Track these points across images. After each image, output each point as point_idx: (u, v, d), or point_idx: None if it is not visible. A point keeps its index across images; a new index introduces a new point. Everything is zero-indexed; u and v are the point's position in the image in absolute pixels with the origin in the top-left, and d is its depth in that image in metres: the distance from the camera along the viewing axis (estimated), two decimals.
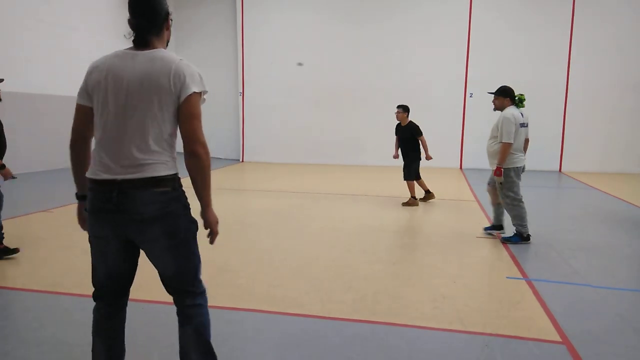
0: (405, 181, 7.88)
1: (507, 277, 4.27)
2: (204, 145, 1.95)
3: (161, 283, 2.18)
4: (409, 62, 13.56)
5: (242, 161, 14.64)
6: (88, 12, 12.15)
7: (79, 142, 2.08)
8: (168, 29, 2.12)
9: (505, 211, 5.58)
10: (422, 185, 8.09)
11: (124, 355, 2.25)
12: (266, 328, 3.19)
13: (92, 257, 2.12)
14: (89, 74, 2.04)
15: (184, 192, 2.07)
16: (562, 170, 13.15)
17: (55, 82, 11.20)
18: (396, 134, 8.00)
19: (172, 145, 2.02)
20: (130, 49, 2.03)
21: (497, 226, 5.70)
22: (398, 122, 7.93)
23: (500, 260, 4.81)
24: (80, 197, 2.17)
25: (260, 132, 14.46)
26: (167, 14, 2.08)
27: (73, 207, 7.68)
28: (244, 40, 14.53)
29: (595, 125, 12.85)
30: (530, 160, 13.94)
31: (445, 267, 4.55)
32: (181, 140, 2.02)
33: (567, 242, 5.51)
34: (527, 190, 9.57)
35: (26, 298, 3.68)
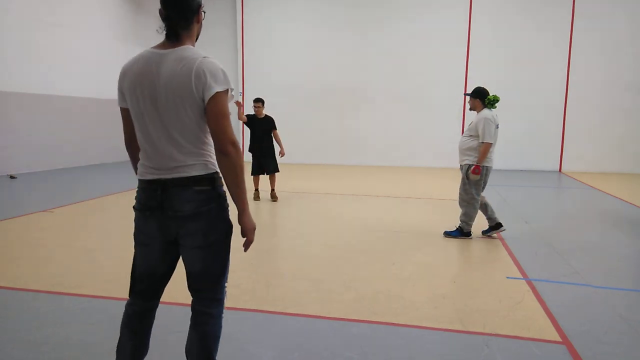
0: (274, 174, 8.05)
1: (507, 277, 4.27)
2: (234, 144, 1.91)
3: (186, 283, 2.18)
4: (409, 62, 13.57)
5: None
6: (88, 12, 12.15)
7: (130, 142, 2.12)
8: (199, 22, 2.05)
9: (491, 208, 5.62)
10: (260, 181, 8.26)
11: (146, 352, 2.26)
12: (266, 328, 3.19)
13: (134, 253, 2.16)
14: (121, 78, 2.00)
15: (224, 192, 2.05)
16: (562, 170, 13.16)
17: (56, 82, 11.21)
18: (250, 126, 8.00)
19: (211, 144, 2.01)
20: (158, 46, 1.98)
21: (494, 226, 5.62)
22: (253, 115, 8.03)
23: (500, 260, 4.81)
24: None
25: None
26: (199, 5, 2.02)
27: (73, 207, 7.65)
28: (244, 40, 14.54)
29: (595, 125, 12.87)
30: (530, 160, 14.06)
31: (445, 267, 4.55)
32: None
33: (567, 242, 5.51)
34: (527, 190, 9.62)
35: (26, 298, 3.68)
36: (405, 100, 13.72)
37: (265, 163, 7.99)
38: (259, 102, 7.97)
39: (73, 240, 5.29)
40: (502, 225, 5.58)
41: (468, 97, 5.63)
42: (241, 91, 14.70)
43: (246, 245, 2.11)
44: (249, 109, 14.58)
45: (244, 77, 14.66)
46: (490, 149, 5.32)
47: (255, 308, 3.49)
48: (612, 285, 4.10)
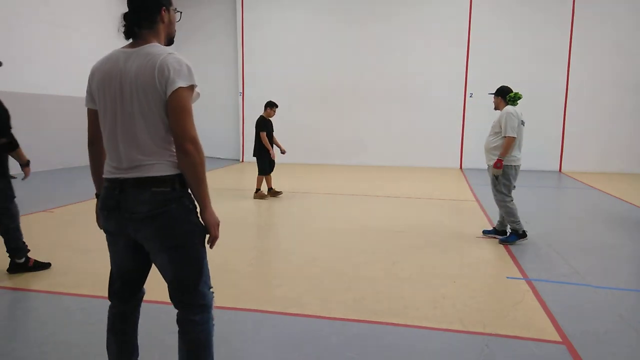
0: (268, 175, 8.29)
1: (507, 277, 4.27)
2: (194, 141, 1.86)
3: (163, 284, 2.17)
4: (409, 62, 13.57)
5: (242, 161, 14.65)
6: (88, 12, 12.16)
7: (94, 143, 2.13)
8: (164, 22, 2.03)
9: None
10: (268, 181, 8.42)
11: (137, 353, 2.25)
12: (266, 328, 3.19)
13: (109, 254, 2.17)
14: (90, 78, 2.03)
15: (188, 193, 1.98)
16: (562, 170, 13.16)
17: (55, 82, 11.21)
18: (271, 130, 8.17)
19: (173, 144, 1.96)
20: (128, 45, 2.00)
21: (500, 231, 5.58)
22: (262, 117, 8.16)
23: (500, 260, 4.81)
24: (98, 195, 2.18)
25: None
26: (161, 6, 2.00)
27: (73, 207, 7.63)
28: (244, 40, 14.53)
29: (595, 125, 12.86)
30: (530, 160, 14.08)
31: (445, 267, 4.55)
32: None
33: (567, 242, 5.51)
34: (527, 190, 9.61)
35: (26, 298, 3.68)
36: (405, 100, 13.71)
37: (273, 162, 8.19)
38: (276, 107, 8.28)
39: (73, 240, 5.29)
40: (506, 235, 5.54)
41: (492, 97, 5.54)
42: (241, 91, 14.70)
43: (211, 242, 2.04)
44: (249, 109, 14.65)
45: (244, 77, 14.66)
46: (514, 145, 5.18)
47: (255, 308, 3.50)
48: (612, 285, 4.10)
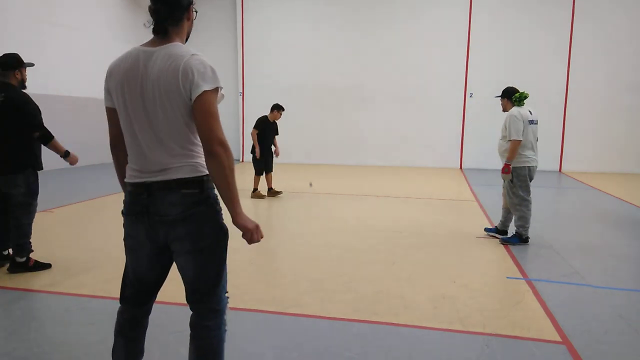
0: (269, 174, 8.38)
1: (507, 277, 4.27)
2: (222, 144, 1.80)
3: (163, 287, 2.17)
4: (409, 62, 13.57)
5: (242, 161, 14.65)
6: (88, 12, 12.16)
7: (117, 144, 2.06)
8: (189, 19, 2.00)
9: (512, 218, 5.51)
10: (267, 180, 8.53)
11: (142, 356, 2.23)
12: (266, 328, 3.19)
13: (126, 258, 2.11)
14: (108, 77, 1.95)
15: (215, 195, 1.95)
16: (562, 170, 13.16)
17: (55, 82, 11.20)
18: (268, 131, 8.22)
19: (201, 146, 1.90)
20: (147, 44, 1.93)
21: (502, 231, 5.57)
22: (267, 119, 8.25)
23: (500, 260, 4.81)
24: None
25: None
26: (190, 3, 1.97)
27: (73, 207, 7.63)
28: (244, 40, 14.54)
29: (595, 125, 12.87)
30: None
31: (445, 267, 4.55)
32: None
33: (567, 242, 5.51)
34: None
35: (26, 298, 3.68)
36: (405, 100, 13.72)
37: (270, 162, 8.31)
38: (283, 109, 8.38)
39: (73, 240, 5.29)
40: (507, 235, 5.53)
41: (498, 99, 5.50)
42: (241, 91, 14.70)
43: (252, 241, 1.97)
44: (249, 108, 14.66)
45: (244, 77, 14.66)
46: (524, 145, 5.14)
47: (255, 308, 3.50)
48: (612, 285, 4.10)
